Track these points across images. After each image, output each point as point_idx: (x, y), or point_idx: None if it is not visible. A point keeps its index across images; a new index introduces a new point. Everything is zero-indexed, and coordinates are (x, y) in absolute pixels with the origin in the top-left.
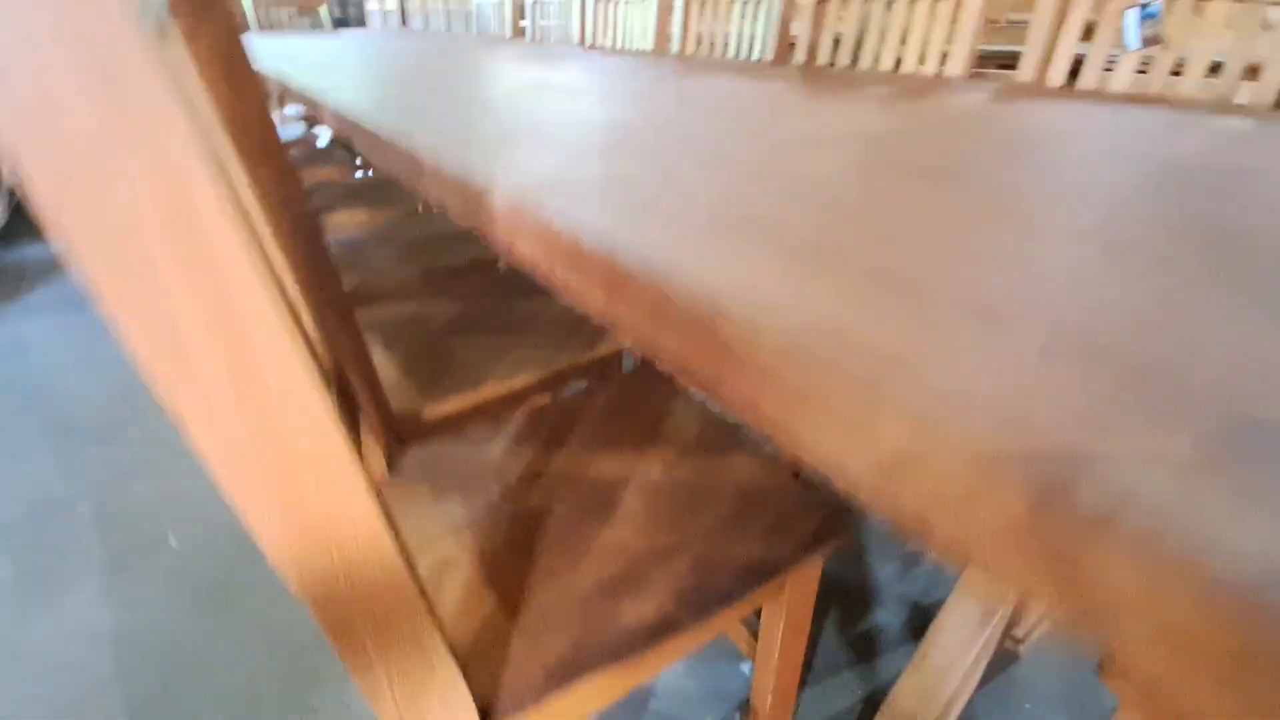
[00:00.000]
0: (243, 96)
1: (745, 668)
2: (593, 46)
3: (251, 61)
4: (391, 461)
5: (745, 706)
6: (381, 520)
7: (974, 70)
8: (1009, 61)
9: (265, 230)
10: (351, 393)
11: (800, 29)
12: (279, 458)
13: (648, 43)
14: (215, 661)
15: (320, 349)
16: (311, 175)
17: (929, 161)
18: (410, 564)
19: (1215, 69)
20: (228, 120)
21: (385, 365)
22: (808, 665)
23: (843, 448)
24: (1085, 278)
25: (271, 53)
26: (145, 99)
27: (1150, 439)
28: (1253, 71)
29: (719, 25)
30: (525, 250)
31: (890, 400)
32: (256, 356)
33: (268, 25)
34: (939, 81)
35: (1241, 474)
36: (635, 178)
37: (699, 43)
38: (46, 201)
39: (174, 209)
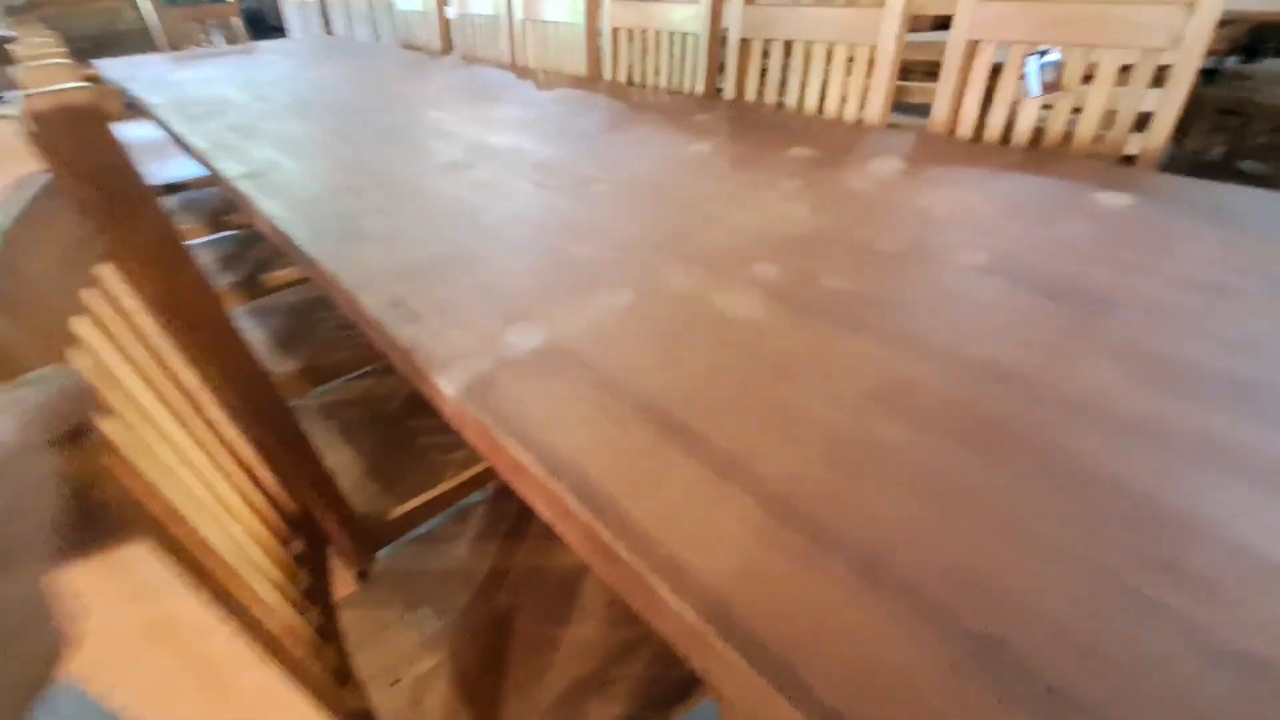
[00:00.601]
0: (179, 277)
1: None
2: (524, 70)
3: (183, 246)
4: (363, 569)
5: None
6: None
7: (896, 104)
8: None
9: (219, 413)
10: (316, 519)
11: (728, 66)
12: None
13: (580, 67)
14: None
15: (280, 494)
16: (242, 219)
17: (834, 290)
18: None
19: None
20: (168, 303)
21: (346, 466)
22: None
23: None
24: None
25: (182, 105)
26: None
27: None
28: (1142, 120)
29: (649, 57)
30: (471, 440)
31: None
32: (234, 690)
33: (178, 42)
34: (858, 132)
35: None
36: (564, 354)
37: (630, 70)
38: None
39: (152, 617)
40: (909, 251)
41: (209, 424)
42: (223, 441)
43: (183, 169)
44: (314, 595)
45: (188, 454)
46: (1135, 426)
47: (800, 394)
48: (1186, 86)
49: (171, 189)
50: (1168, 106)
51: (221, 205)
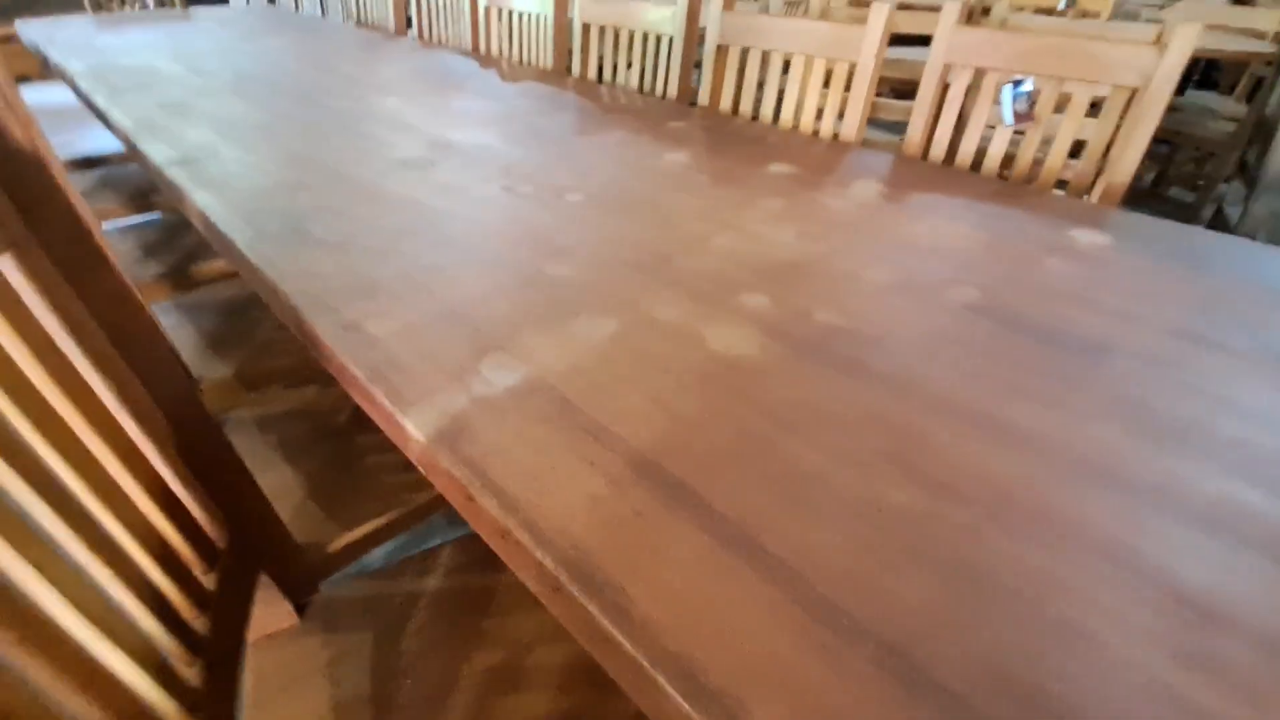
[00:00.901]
0: (96, 271)
1: None
2: (487, 58)
3: (100, 234)
4: (301, 601)
5: None
6: None
7: (869, 119)
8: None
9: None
10: (246, 548)
11: (703, 72)
12: None
13: (546, 59)
14: None
15: (211, 524)
16: (170, 200)
17: (829, 327)
18: None
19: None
20: (87, 294)
21: (285, 487)
22: None
23: None
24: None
25: (105, 74)
26: None
27: None
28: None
29: (620, 56)
30: (444, 492)
31: None
32: None
33: (104, 2)
34: (836, 149)
35: None
36: (546, 394)
37: (599, 68)
38: None
39: None
40: (899, 284)
41: (111, 442)
42: (126, 462)
43: (103, 141)
44: (210, 646)
45: (54, 481)
46: (1147, 492)
47: (804, 449)
48: (1154, 125)
49: (89, 163)
50: (1134, 143)
51: (146, 184)
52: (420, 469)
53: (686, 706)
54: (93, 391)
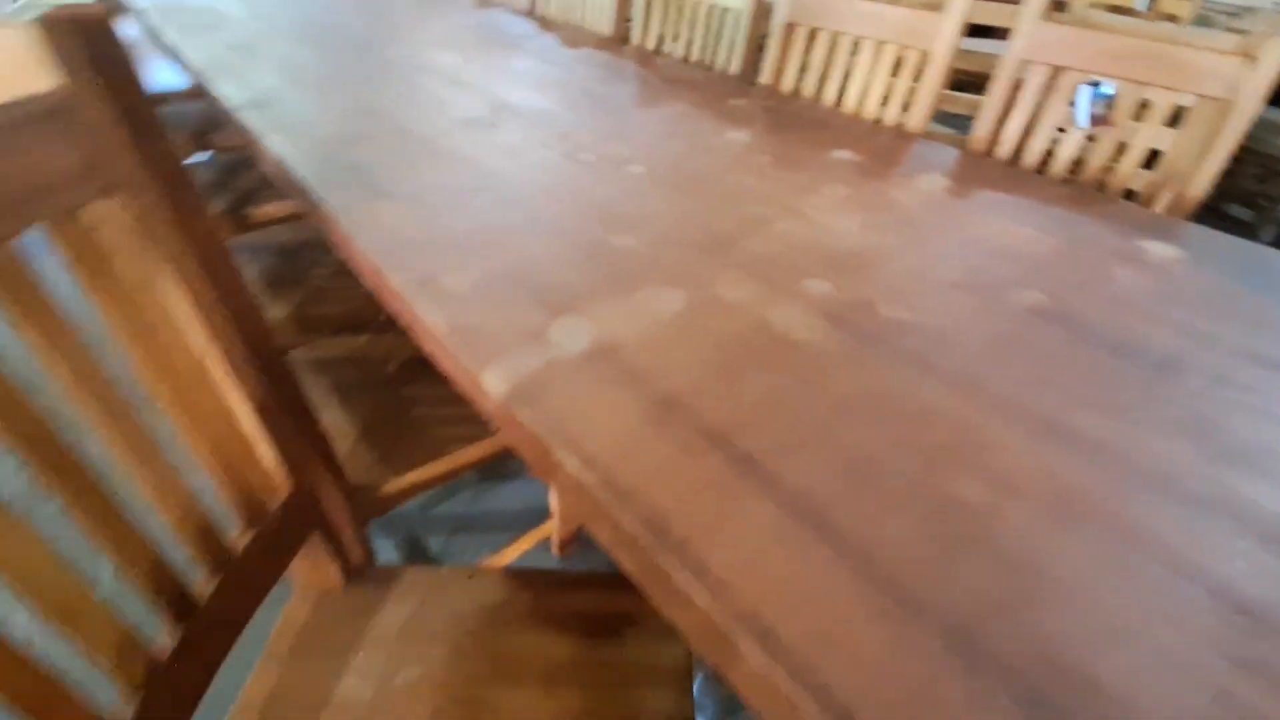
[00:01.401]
0: (194, 210)
1: None
2: (545, 21)
3: (190, 179)
4: (351, 564)
5: None
6: None
7: (938, 110)
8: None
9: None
10: (308, 498)
11: (769, 50)
12: None
13: (606, 25)
14: None
15: (281, 470)
16: (228, 140)
17: (893, 320)
18: None
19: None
20: (186, 232)
21: (339, 429)
22: None
23: None
24: None
25: (171, 13)
26: None
27: None
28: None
29: (683, 27)
30: (516, 448)
31: None
32: None
33: None
34: (900, 139)
35: None
36: (616, 360)
37: (660, 39)
38: None
39: None
40: (966, 284)
41: (175, 392)
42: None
43: (164, 78)
44: (242, 580)
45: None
46: (1209, 506)
47: (869, 436)
48: (1237, 139)
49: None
50: (1214, 157)
51: (205, 124)
52: (495, 424)
53: (764, 659)
54: (194, 329)
